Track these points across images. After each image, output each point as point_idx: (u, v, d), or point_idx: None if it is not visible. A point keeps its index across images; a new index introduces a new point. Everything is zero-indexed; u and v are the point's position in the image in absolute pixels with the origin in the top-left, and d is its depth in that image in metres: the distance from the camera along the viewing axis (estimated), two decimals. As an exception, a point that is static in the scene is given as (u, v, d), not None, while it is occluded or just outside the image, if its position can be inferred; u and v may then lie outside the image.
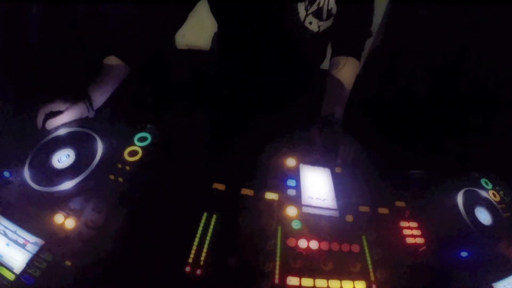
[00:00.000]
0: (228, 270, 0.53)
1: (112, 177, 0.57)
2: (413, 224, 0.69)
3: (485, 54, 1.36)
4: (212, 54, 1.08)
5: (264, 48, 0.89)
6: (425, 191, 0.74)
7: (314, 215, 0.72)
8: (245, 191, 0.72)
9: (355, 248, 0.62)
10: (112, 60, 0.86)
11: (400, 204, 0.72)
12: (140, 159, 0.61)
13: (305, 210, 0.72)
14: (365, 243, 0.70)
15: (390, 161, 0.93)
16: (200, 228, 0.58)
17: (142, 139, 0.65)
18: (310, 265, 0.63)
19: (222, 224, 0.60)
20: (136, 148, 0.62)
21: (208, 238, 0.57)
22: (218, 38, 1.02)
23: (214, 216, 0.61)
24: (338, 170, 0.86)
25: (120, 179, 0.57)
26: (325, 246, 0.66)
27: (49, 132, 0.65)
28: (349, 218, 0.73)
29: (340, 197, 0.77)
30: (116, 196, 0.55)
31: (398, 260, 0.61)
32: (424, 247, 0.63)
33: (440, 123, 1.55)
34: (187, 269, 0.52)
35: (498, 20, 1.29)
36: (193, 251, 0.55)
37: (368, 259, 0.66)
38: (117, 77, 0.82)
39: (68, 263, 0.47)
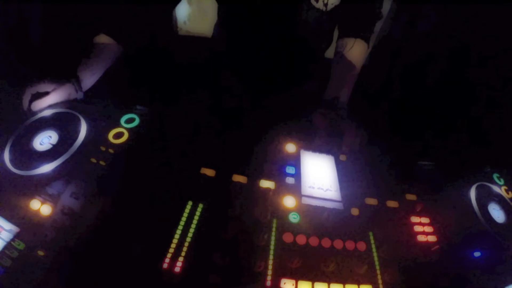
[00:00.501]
0: (212, 269, 0.45)
1: (93, 160, 0.53)
2: (425, 220, 0.62)
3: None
4: (215, 41, 1.02)
5: (268, 29, 0.82)
6: (435, 184, 0.68)
7: (315, 207, 0.61)
8: (237, 178, 0.61)
9: (361, 246, 0.55)
10: (102, 39, 0.80)
11: (410, 197, 0.65)
12: (126, 142, 0.56)
13: (305, 201, 0.62)
14: (372, 241, 0.60)
15: (397, 150, 0.85)
16: (183, 219, 0.49)
17: (130, 121, 0.60)
18: (309, 266, 0.53)
19: (209, 215, 0.52)
20: (122, 130, 0.57)
21: (191, 230, 0.49)
22: (219, 19, 0.91)
23: (200, 205, 0.52)
24: (342, 158, 0.76)
25: (102, 163, 0.52)
26: (326, 243, 0.56)
27: (34, 114, 0.61)
28: (355, 211, 0.63)
29: (344, 187, 0.67)
30: (96, 181, 0.50)
31: (409, 260, 0.54)
32: (437, 246, 0.56)
33: (449, 113, 1.46)
34: (165, 265, 0.45)
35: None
36: (173, 245, 0.47)
37: (376, 259, 0.56)
38: (108, 57, 0.78)
39: (40, 253, 0.43)
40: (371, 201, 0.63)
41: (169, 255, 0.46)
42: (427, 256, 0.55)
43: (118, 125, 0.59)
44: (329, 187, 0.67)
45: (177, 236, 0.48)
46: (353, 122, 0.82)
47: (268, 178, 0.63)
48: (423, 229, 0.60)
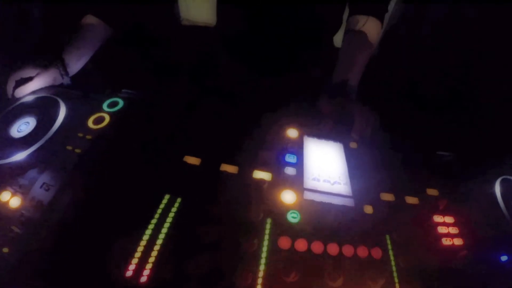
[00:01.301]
0: (186, 280, 0.36)
1: (69, 147, 0.48)
2: (449, 219, 0.52)
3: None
4: (218, 27, 0.98)
5: (273, 8, 0.73)
6: (456, 177, 0.59)
7: (319, 204, 0.48)
8: (226, 167, 0.49)
9: (376, 253, 0.44)
10: (90, 20, 0.73)
11: (432, 192, 0.55)
12: (105, 127, 0.51)
13: (308, 196, 0.49)
14: (389, 246, 0.47)
15: (413, 138, 0.72)
16: (157, 216, 0.40)
17: (113, 105, 0.55)
18: (310, 279, 0.40)
19: (188, 212, 0.41)
20: (103, 115, 0.52)
21: (164, 230, 0.39)
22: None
23: (178, 200, 0.42)
24: (353, 145, 0.62)
25: (78, 150, 0.47)
26: (333, 249, 0.43)
27: (17, 100, 0.57)
28: (368, 209, 0.50)
29: (355, 180, 0.54)
30: (69, 171, 0.45)
31: (433, 269, 0.44)
32: (464, 251, 0.47)
33: (468, 101, 1.31)
34: (128, 273, 0.35)
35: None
36: (140, 248, 0.37)
37: (394, 269, 0.44)
38: (96, 39, 0.71)
39: (5, 250, 0.39)
40: (387, 196, 0.52)
41: (134, 261, 0.36)
42: (453, 263, 0.46)
43: (100, 109, 0.54)
44: (337, 179, 0.54)
45: (145, 237, 0.37)
46: (364, 106, 0.70)
47: (264, 167, 0.50)
48: (448, 231, 0.50)
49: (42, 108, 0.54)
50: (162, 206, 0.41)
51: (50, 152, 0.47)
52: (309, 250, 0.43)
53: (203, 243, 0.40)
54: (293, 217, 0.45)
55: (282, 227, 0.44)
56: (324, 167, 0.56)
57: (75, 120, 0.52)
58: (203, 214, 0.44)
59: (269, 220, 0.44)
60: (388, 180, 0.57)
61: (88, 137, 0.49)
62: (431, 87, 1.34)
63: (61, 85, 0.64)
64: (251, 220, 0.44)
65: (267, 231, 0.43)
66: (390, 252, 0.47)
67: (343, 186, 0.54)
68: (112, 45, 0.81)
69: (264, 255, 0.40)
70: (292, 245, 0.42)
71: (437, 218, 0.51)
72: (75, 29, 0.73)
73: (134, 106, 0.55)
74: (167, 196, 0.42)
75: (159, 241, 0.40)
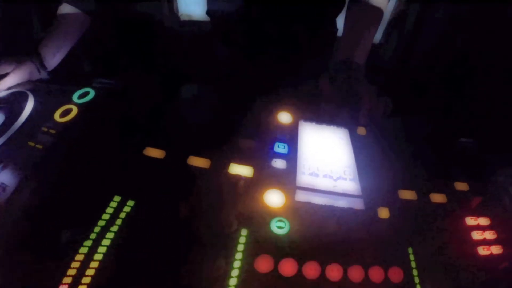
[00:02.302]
0: None
1: (31, 143, 0.44)
2: (484, 221, 0.42)
3: None
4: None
5: None
6: (486, 168, 0.49)
7: (317, 208, 0.35)
8: (195, 161, 0.37)
9: (395, 274, 0.32)
10: (66, 9, 0.66)
11: (461, 186, 0.44)
12: (72, 119, 0.46)
13: (301, 197, 0.36)
14: (413, 264, 0.34)
15: (432, 124, 0.58)
16: (101, 223, 0.31)
17: (83, 95, 0.50)
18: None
19: (140, 219, 0.32)
20: (71, 106, 0.48)
21: (106, 242, 0.30)
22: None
23: (130, 203, 0.33)
24: (361, 131, 0.49)
25: (39, 146, 0.44)
26: (335, 273, 0.30)
27: None
28: (383, 212, 0.37)
29: (365, 175, 0.41)
30: (28, 170, 0.40)
31: None
32: (505, 263, 0.37)
33: (490, 83, 1.14)
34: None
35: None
36: (75, 264, 0.28)
37: (421, 296, 0.31)
38: (74, 29, 0.65)
39: None
40: (407, 194, 0.41)
41: (66, 280, 0.27)
42: (493, 278, 0.35)
43: (69, 101, 0.49)
44: (341, 174, 0.41)
45: (84, 250, 0.29)
46: (372, 86, 0.56)
47: (244, 160, 0.37)
48: (484, 236, 0.40)
49: (11, 103, 0.50)
50: (109, 210, 0.32)
51: (12, 149, 0.43)
52: (299, 274, 0.29)
53: (153, 263, 0.29)
54: (279, 227, 0.31)
55: (262, 242, 0.31)
56: (325, 158, 0.43)
57: (42, 114, 0.48)
58: (157, 222, 0.32)
59: (244, 232, 0.31)
60: (406, 174, 0.43)
61: (52, 131, 0.45)
62: (450, 69, 1.18)
63: (40, 80, 0.59)
64: (219, 232, 0.31)
65: (240, 248, 0.29)
66: (414, 273, 0.33)
67: (349, 183, 0.40)
68: (97, 34, 0.72)
69: (233, 282, 0.27)
70: (276, 267, 0.28)
71: (471, 221, 0.41)
72: (52, 20, 0.65)
73: (104, 97, 0.49)
74: (117, 198, 0.33)
75: (98, 256, 0.29)
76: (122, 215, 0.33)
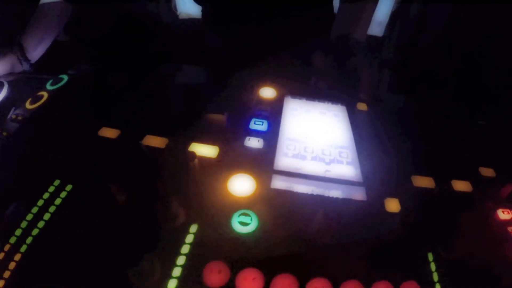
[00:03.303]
0: None
1: None
2: None
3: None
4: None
5: None
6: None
7: (300, 198, 0.26)
8: (150, 140, 0.29)
9: None
10: None
11: (487, 172, 0.35)
12: (41, 105, 0.44)
13: (279, 183, 0.27)
14: (435, 275, 0.24)
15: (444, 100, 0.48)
16: (34, 210, 0.25)
17: (57, 81, 0.48)
18: None
19: (74, 206, 0.25)
20: (42, 93, 0.46)
21: (35, 232, 0.23)
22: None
23: (68, 188, 0.26)
24: (361, 106, 0.39)
25: (5, 133, 0.42)
26: None
27: None
28: (392, 204, 0.27)
29: (367, 157, 0.32)
30: None
31: None
32: None
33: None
34: None
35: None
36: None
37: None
38: (56, 19, 0.61)
39: None
40: (423, 181, 0.31)
41: None
42: None
43: (43, 88, 0.46)
44: (336, 156, 0.31)
45: (13, 240, 0.23)
46: (375, 58, 0.47)
47: (209, 139, 0.28)
48: None
49: (-10, 93, 0.48)
50: (45, 196, 0.26)
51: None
52: None
53: (77, 258, 0.21)
54: (242, 223, 0.21)
55: (216, 243, 0.21)
56: (316, 138, 0.33)
57: (15, 102, 0.46)
58: (92, 209, 0.24)
59: (194, 228, 0.22)
60: (418, 156, 0.34)
61: (20, 118, 0.43)
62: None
63: (23, 71, 0.55)
64: (162, 227, 0.22)
65: (185, 250, 0.20)
66: (438, 288, 0.24)
67: (347, 167, 0.30)
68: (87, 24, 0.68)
69: None
70: (232, 281, 0.19)
71: (503, 214, 0.31)
72: (33, 10, 0.61)
73: (76, 83, 0.45)
74: (56, 182, 0.27)
75: (24, 248, 0.22)
76: (58, 201, 0.25)
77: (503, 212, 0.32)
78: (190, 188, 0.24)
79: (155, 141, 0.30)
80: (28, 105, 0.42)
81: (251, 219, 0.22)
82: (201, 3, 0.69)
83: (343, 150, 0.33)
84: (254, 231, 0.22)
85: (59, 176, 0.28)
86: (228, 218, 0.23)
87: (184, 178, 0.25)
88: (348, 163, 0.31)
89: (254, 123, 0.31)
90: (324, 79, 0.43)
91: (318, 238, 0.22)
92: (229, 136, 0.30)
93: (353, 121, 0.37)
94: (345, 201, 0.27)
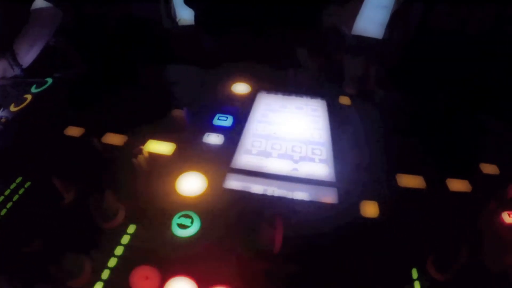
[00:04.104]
0: None
1: None
2: None
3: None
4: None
5: None
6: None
7: (255, 200, 0.22)
8: (110, 138, 0.27)
9: None
10: (39, 3, 0.63)
11: (488, 169, 0.30)
12: (23, 108, 0.44)
13: (233, 183, 0.24)
14: None
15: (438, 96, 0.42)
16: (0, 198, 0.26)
17: (41, 84, 0.49)
18: None
19: (28, 202, 0.24)
20: (26, 96, 0.47)
21: None
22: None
23: (27, 184, 0.26)
24: (344, 100, 0.35)
25: None
26: None
27: None
28: (369, 208, 0.23)
29: (345, 154, 0.28)
30: None
31: None
32: None
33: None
34: None
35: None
36: None
37: None
38: (47, 24, 0.61)
39: None
40: (409, 180, 0.27)
41: None
42: None
43: (28, 91, 0.47)
44: (308, 153, 0.28)
45: None
46: (364, 51, 0.43)
47: (167, 136, 0.26)
48: None
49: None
50: (7, 192, 0.26)
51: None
52: None
53: (15, 254, 0.19)
54: (180, 226, 0.19)
55: (152, 246, 0.19)
56: (286, 134, 0.30)
57: (3, 105, 0.46)
58: (40, 207, 0.22)
59: (132, 228, 0.20)
60: (409, 153, 0.29)
61: (3, 120, 0.43)
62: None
63: (15, 76, 0.55)
64: (102, 226, 0.20)
65: (118, 251, 0.18)
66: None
67: (318, 166, 0.26)
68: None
69: None
70: None
71: (510, 217, 0.26)
72: (25, 15, 0.62)
73: (58, 85, 0.46)
74: (18, 180, 0.27)
75: None
76: (15, 197, 0.25)
77: (509, 215, 0.26)
78: (135, 186, 0.22)
79: (114, 139, 0.28)
80: (12, 108, 0.43)
81: (191, 222, 0.19)
82: (191, 5, 0.69)
83: (317, 147, 0.29)
84: (194, 235, 0.19)
85: (22, 173, 0.27)
86: (170, 219, 0.20)
87: (131, 176, 0.23)
88: (320, 161, 0.27)
89: (218, 119, 0.29)
90: (305, 73, 0.40)
91: (267, 247, 0.18)
92: (190, 133, 0.28)
93: (333, 116, 0.33)
94: (312, 204, 0.23)
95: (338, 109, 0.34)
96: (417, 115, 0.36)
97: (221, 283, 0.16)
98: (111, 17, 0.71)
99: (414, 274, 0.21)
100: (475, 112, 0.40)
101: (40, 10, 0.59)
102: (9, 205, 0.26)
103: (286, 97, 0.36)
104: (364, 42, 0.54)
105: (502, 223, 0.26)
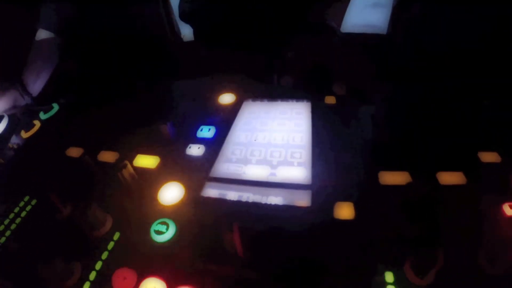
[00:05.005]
0: None
1: None
2: None
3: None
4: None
5: None
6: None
7: (229, 206, 0.23)
8: (104, 156, 0.31)
9: None
10: (42, 35, 0.66)
11: (489, 157, 0.27)
12: (33, 134, 0.48)
13: (211, 191, 0.25)
14: None
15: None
16: (6, 221, 0.29)
17: (47, 110, 0.52)
18: None
19: (33, 217, 0.28)
20: (35, 122, 0.51)
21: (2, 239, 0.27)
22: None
23: (33, 202, 0.29)
24: (329, 100, 0.35)
25: (1, 161, 0.46)
26: None
27: None
28: (344, 210, 0.23)
29: (326, 156, 0.27)
30: None
31: None
32: None
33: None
34: None
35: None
36: None
37: None
38: (52, 53, 0.64)
39: None
40: (392, 177, 0.25)
41: None
42: None
43: (36, 118, 0.51)
44: (287, 158, 0.28)
45: None
46: (355, 49, 0.41)
47: (152, 150, 0.29)
48: None
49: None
50: (16, 209, 0.30)
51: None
52: None
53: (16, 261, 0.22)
54: (157, 232, 0.21)
55: (132, 250, 0.21)
56: (267, 140, 0.30)
57: (13, 132, 0.51)
58: (40, 220, 0.26)
59: (116, 235, 0.22)
60: (396, 149, 0.28)
61: (15, 146, 0.47)
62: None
63: (26, 104, 0.59)
64: (93, 235, 0.23)
65: (104, 256, 0.21)
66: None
67: (296, 170, 0.27)
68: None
69: None
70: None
71: (511, 209, 0.23)
72: (32, 47, 0.65)
73: (64, 111, 0.50)
74: (26, 198, 0.30)
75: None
76: (23, 213, 0.29)
77: (511, 206, 0.24)
78: (121, 198, 0.25)
79: (107, 157, 0.31)
80: (23, 134, 0.46)
81: (166, 228, 0.21)
82: (185, 21, 0.72)
83: (297, 150, 0.29)
84: (169, 240, 0.21)
85: (30, 193, 0.31)
86: (149, 226, 0.22)
87: (119, 189, 0.26)
88: (299, 164, 0.28)
89: (201, 131, 0.31)
90: (292, 76, 0.40)
91: (234, 250, 0.19)
92: (174, 146, 0.30)
93: (316, 117, 0.33)
94: (285, 208, 0.23)
95: (323, 110, 0.34)
96: (409, 107, 0.34)
97: (187, 284, 0.18)
98: (113, 39, 0.72)
99: (389, 277, 0.20)
100: (471, 98, 0.36)
101: (44, 41, 0.62)
102: (18, 220, 0.29)
103: (271, 103, 0.37)
104: (356, 39, 0.51)
105: (503, 215, 0.23)
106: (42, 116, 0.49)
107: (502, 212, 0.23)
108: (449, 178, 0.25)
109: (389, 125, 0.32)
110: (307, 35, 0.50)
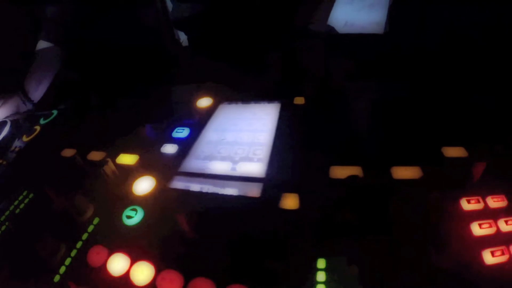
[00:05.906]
0: None
1: (0, 161, 0.49)
2: (497, 202, 0.25)
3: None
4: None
5: None
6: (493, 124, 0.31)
7: (190, 197, 0.27)
8: (93, 155, 0.35)
9: None
10: (42, 44, 0.71)
11: (454, 152, 0.28)
12: (33, 137, 0.51)
13: (178, 184, 0.29)
14: None
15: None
16: (7, 213, 0.34)
17: (47, 116, 0.54)
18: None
19: (29, 208, 0.32)
20: (36, 127, 0.53)
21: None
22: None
23: (31, 196, 0.34)
24: (298, 100, 0.37)
25: (4, 162, 0.49)
26: (173, 284, 0.21)
27: None
28: (289, 201, 0.25)
29: (285, 153, 0.30)
30: None
31: None
32: None
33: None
34: None
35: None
36: None
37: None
38: (51, 62, 0.67)
39: None
40: (342, 171, 0.27)
41: None
42: None
43: (37, 123, 0.54)
44: (249, 154, 0.31)
45: None
46: (331, 51, 0.42)
47: (133, 149, 0.33)
48: (494, 230, 0.23)
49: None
50: (16, 202, 0.34)
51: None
52: (127, 276, 0.22)
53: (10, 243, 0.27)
54: (128, 216, 0.25)
55: (107, 232, 0.26)
56: (234, 139, 0.34)
57: (16, 136, 0.53)
58: (33, 210, 0.31)
59: (96, 220, 0.27)
60: (355, 145, 0.29)
61: (17, 149, 0.50)
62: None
63: (27, 110, 0.62)
64: (77, 220, 0.27)
65: (84, 237, 0.26)
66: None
67: (254, 165, 0.30)
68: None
69: (62, 270, 0.24)
70: (105, 262, 0.23)
71: (469, 204, 0.23)
72: (33, 56, 0.69)
73: (62, 116, 0.53)
74: (24, 193, 0.35)
75: None
76: (22, 205, 0.34)
77: (468, 201, 0.24)
78: (103, 190, 0.30)
79: (96, 156, 0.36)
80: (24, 138, 0.50)
81: (135, 213, 0.26)
82: (180, 28, 0.75)
83: (259, 147, 0.32)
84: (137, 224, 0.25)
85: (28, 188, 0.35)
86: (122, 212, 0.27)
87: (101, 183, 0.30)
88: (258, 160, 0.30)
89: (176, 131, 0.35)
90: (268, 78, 0.42)
91: (186, 235, 0.23)
92: (152, 145, 0.34)
93: (283, 117, 0.35)
94: (237, 198, 0.26)
95: (290, 110, 0.36)
96: (379, 104, 0.35)
97: (146, 259, 0.22)
98: (112, 48, 0.75)
99: (321, 263, 0.22)
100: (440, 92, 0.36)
101: (44, 50, 0.65)
102: (17, 211, 0.34)
103: (245, 105, 0.40)
104: (354, 40, 0.51)
105: (460, 210, 0.23)
106: (42, 121, 0.52)
107: (459, 207, 0.24)
108: (403, 172, 0.26)
109: (354, 122, 0.34)
110: (292, 39, 0.52)
